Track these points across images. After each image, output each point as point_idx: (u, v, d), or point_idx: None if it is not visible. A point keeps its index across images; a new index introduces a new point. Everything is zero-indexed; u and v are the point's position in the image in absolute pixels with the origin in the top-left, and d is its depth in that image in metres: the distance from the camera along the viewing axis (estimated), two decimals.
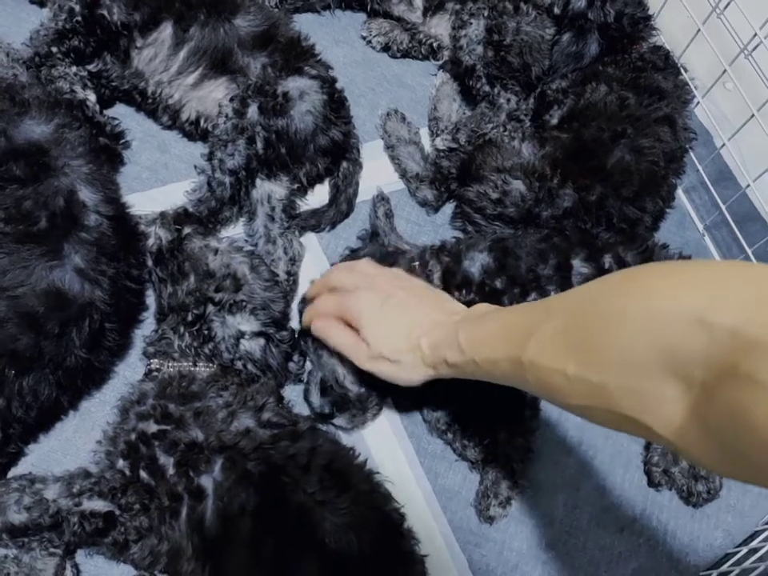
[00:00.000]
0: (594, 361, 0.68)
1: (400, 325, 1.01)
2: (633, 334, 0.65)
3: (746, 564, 1.22)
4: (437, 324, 0.99)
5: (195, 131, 1.39)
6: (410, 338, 0.99)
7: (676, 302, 0.62)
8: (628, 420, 0.66)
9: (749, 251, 1.44)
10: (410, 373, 1.01)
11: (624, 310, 0.67)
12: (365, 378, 1.18)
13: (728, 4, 1.38)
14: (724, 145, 1.48)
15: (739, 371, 0.54)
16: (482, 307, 1.03)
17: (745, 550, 1.27)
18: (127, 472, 0.99)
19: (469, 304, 1.19)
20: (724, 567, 1.25)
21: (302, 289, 1.29)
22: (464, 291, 1.21)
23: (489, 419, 1.25)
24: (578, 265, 1.22)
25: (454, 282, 1.22)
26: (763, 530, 1.30)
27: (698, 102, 1.52)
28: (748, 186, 1.44)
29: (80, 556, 1.06)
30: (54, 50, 1.30)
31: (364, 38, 1.62)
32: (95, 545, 1.02)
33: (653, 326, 0.63)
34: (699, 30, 1.44)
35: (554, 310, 0.79)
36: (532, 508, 1.26)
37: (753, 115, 1.35)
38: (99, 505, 0.97)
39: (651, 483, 1.30)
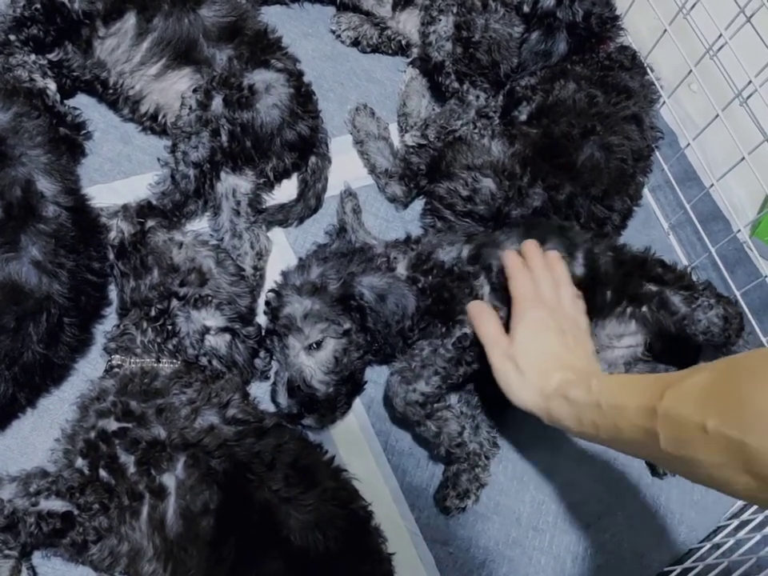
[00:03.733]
0: (739, 417, 0.65)
1: (548, 351, 1.03)
2: None
3: (709, 560, 1.23)
4: (576, 370, 1.00)
5: (153, 125, 1.36)
6: (547, 364, 1.01)
7: None
8: (765, 482, 0.63)
9: (712, 250, 1.45)
10: (521, 389, 1.01)
11: None
12: (334, 377, 1.17)
13: (694, 4, 1.39)
14: (689, 145, 1.50)
15: None
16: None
17: (708, 545, 1.28)
18: (86, 471, 0.97)
19: (436, 285, 1.18)
20: (688, 563, 1.26)
21: (269, 284, 1.27)
22: (430, 276, 1.20)
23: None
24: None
25: (423, 268, 1.21)
26: (726, 526, 1.32)
27: (664, 102, 1.53)
28: (712, 185, 1.46)
29: (37, 558, 1.03)
30: (12, 37, 1.26)
31: (333, 32, 1.61)
32: (53, 546, 0.99)
33: None
34: (666, 30, 1.46)
35: (699, 368, 0.78)
36: (499, 505, 1.26)
37: (717, 115, 1.37)
38: (57, 505, 0.94)
39: (655, 473, 1.33)
